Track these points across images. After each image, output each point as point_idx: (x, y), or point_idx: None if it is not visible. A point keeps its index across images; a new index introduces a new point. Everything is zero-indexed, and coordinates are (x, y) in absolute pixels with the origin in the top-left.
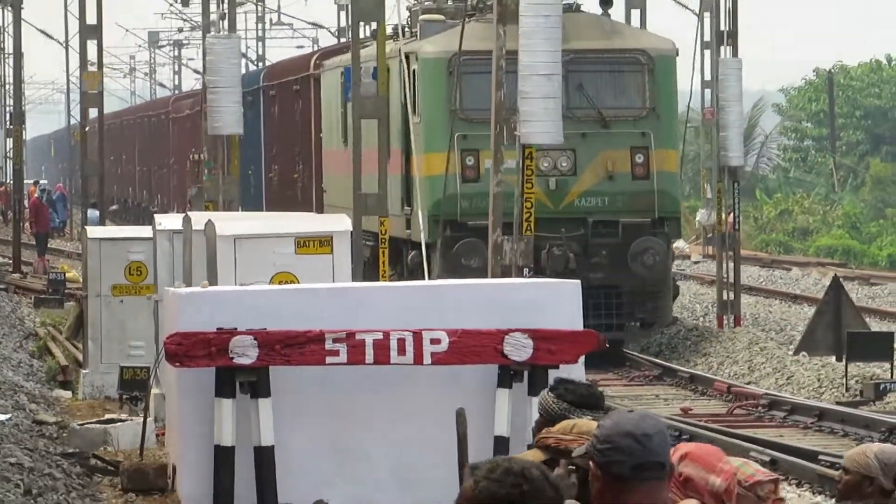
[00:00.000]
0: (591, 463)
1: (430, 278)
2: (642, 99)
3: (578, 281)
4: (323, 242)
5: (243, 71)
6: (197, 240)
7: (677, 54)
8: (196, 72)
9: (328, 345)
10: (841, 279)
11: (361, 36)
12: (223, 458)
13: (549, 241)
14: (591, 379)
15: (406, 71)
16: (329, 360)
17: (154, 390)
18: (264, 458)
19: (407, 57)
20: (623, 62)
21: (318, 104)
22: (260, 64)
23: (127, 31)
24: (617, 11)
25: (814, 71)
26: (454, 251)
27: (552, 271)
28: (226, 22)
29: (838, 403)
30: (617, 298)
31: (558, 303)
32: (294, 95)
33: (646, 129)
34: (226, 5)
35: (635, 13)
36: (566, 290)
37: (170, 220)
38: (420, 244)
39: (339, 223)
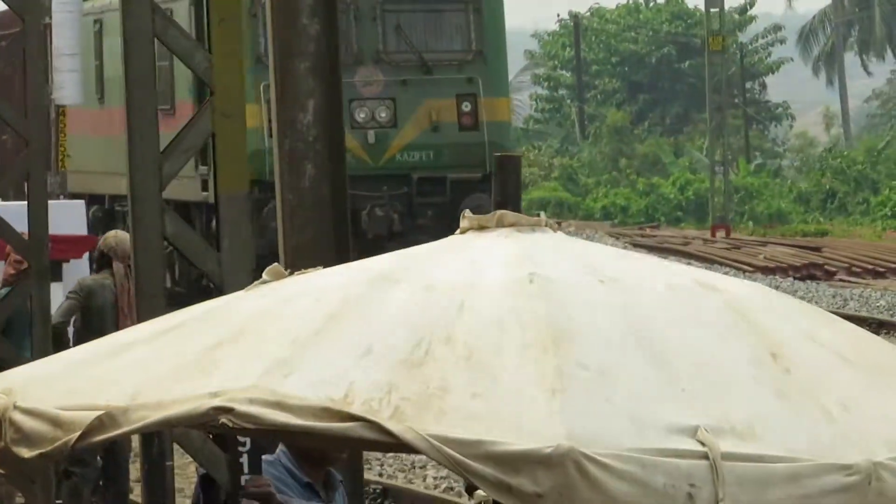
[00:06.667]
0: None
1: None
2: (467, 41)
3: (82, 202)
4: None
5: None
6: None
7: None
8: None
9: None
10: None
11: None
12: None
13: (369, 202)
14: None
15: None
16: None
17: None
18: None
19: None
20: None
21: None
22: None
23: None
24: None
25: (568, 14)
26: (263, 214)
27: (374, 235)
28: None
29: None
30: None
31: (70, 217)
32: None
33: (472, 75)
34: None
35: None
36: (75, 209)
37: None
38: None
39: None
